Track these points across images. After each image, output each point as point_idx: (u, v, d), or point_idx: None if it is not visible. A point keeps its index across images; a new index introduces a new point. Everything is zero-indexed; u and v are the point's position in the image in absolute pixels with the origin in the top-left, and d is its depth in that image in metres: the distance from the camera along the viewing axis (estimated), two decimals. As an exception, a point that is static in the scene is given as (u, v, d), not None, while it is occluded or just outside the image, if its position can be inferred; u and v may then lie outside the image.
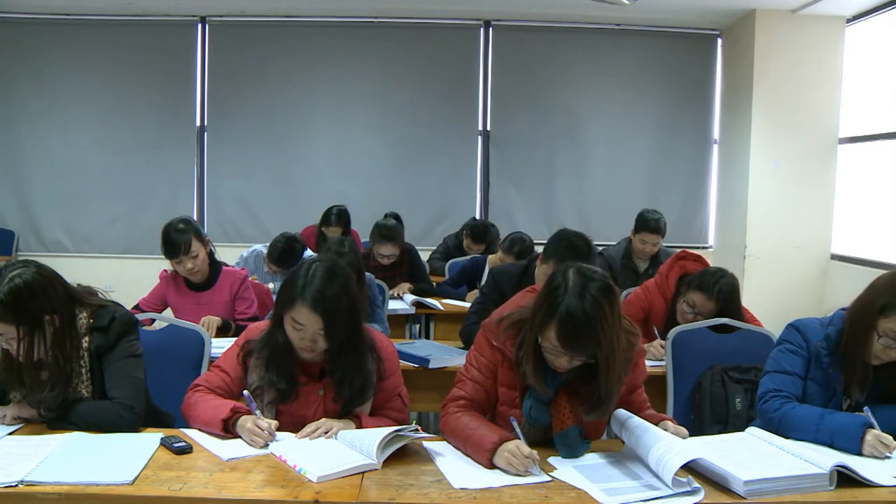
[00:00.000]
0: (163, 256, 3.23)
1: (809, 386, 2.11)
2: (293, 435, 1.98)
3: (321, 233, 5.25)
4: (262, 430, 1.90)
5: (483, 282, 4.00)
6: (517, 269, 3.25)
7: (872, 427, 1.89)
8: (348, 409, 2.07)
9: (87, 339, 2.05)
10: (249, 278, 3.51)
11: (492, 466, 1.79)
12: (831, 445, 1.89)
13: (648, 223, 4.35)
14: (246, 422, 1.93)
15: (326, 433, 1.96)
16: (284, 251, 4.18)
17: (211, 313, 3.19)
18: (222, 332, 3.16)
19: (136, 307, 3.27)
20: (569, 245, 2.92)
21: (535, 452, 1.77)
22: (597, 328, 1.79)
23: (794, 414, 2.02)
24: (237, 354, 2.12)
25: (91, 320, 2.06)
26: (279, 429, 1.98)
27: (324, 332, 1.98)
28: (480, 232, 5.56)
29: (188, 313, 3.21)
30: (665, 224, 4.42)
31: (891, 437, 1.87)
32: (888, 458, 1.84)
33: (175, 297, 3.33)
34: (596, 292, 1.80)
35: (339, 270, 2.05)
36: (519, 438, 1.82)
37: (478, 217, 6.73)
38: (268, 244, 4.37)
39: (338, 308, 1.98)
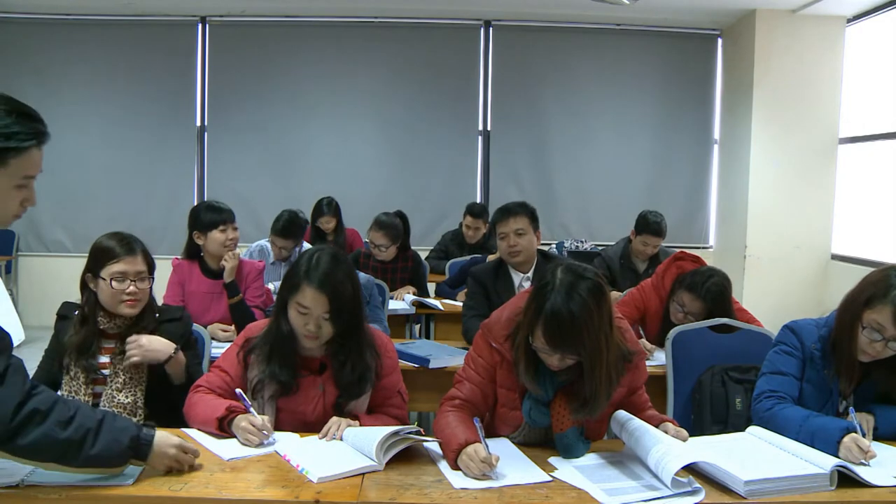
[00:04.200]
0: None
1: (805, 387, 2.11)
2: (296, 434, 1.97)
3: (315, 228, 5.26)
4: (256, 429, 1.89)
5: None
6: (492, 261, 3.37)
7: (855, 432, 1.86)
8: (346, 399, 2.06)
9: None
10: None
11: (457, 467, 1.78)
12: (812, 447, 1.86)
13: (650, 226, 4.34)
14: (240, 420, 1.93)
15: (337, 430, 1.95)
16: (289, 221, 4.28)
17: (222, 300, 3.21)
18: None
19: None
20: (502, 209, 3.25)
21: (492, 457, 1.74)
22: (582, 327, 1.78)
23: (782, 414, 2.01)
24: (237, 353, 2.13)
25: (156, 314, 2.30)
26: (280, 427, 1.98)
27: (329, 315, 1.99)
28: (478, 208, 5.52)
29: (201, 299, 3.22)
30: (666, 226, 4.41)
31: (868, 443, 1.83)
32: (864, 464, 1.79)
33: (190, 285, 3.29)
34: (584, 291, 1.79)
35: (343, 257, 2.09)
36: (481, 441, 1.80)
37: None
38: (269, 240, 4.41)
39: (343, 290, 2.00)
